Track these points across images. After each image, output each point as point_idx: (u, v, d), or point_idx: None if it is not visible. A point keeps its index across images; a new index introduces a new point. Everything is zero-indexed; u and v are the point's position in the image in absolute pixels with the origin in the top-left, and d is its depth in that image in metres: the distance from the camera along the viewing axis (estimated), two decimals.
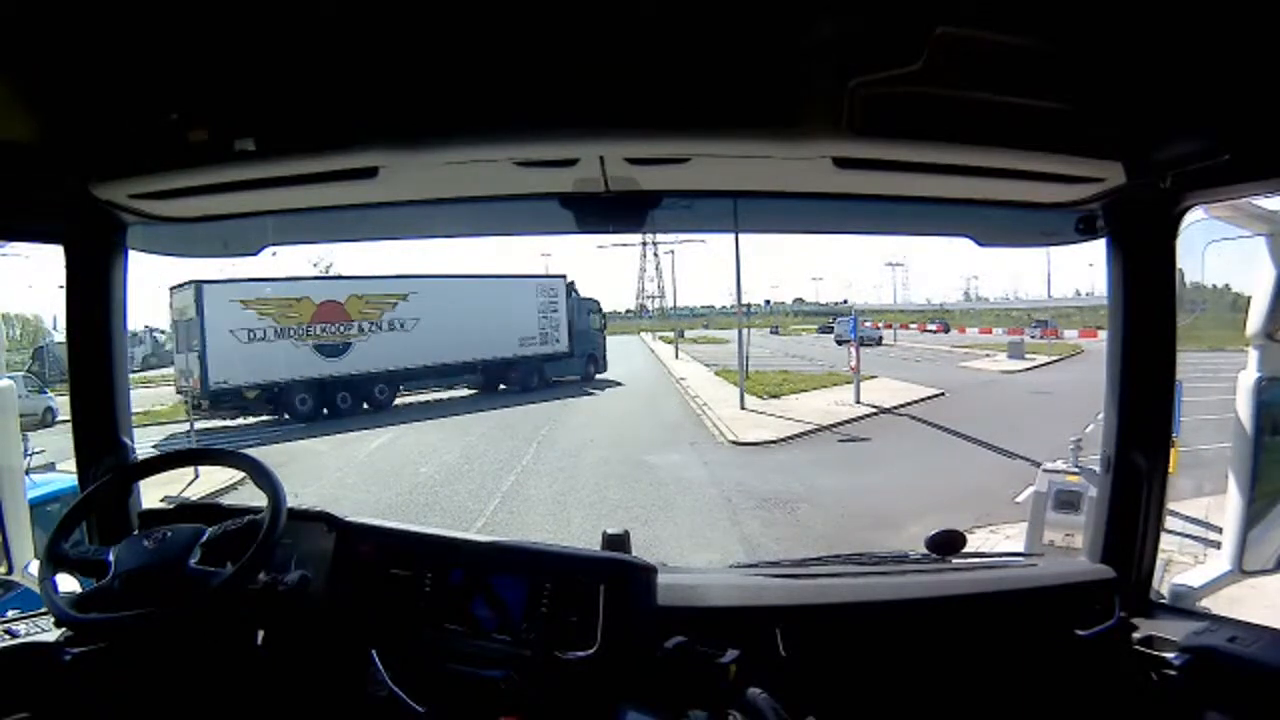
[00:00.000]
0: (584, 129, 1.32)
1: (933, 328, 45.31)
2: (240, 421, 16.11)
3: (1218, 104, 1.28)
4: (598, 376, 21.48)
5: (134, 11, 1.13)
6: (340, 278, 18.11)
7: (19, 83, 1.27)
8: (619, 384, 21.26)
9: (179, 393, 16.29)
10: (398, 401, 17.83)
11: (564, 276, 21.79)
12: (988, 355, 28.57)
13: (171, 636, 1.52)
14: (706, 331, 48.27)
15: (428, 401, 18.41)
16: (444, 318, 17.79)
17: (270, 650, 1.61)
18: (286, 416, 16.11)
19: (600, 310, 23.09)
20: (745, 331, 20.38)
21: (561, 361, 20.59)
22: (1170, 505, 2.03)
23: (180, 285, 16.01)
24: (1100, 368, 1.83)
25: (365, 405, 16.96)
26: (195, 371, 15.21)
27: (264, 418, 16.26)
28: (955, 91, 1.23)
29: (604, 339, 22.70)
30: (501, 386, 19.47)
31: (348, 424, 15.17)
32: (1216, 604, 2.02)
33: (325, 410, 16.38)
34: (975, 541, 7.00)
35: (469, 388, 19.43)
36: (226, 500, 4.96)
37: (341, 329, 16.98)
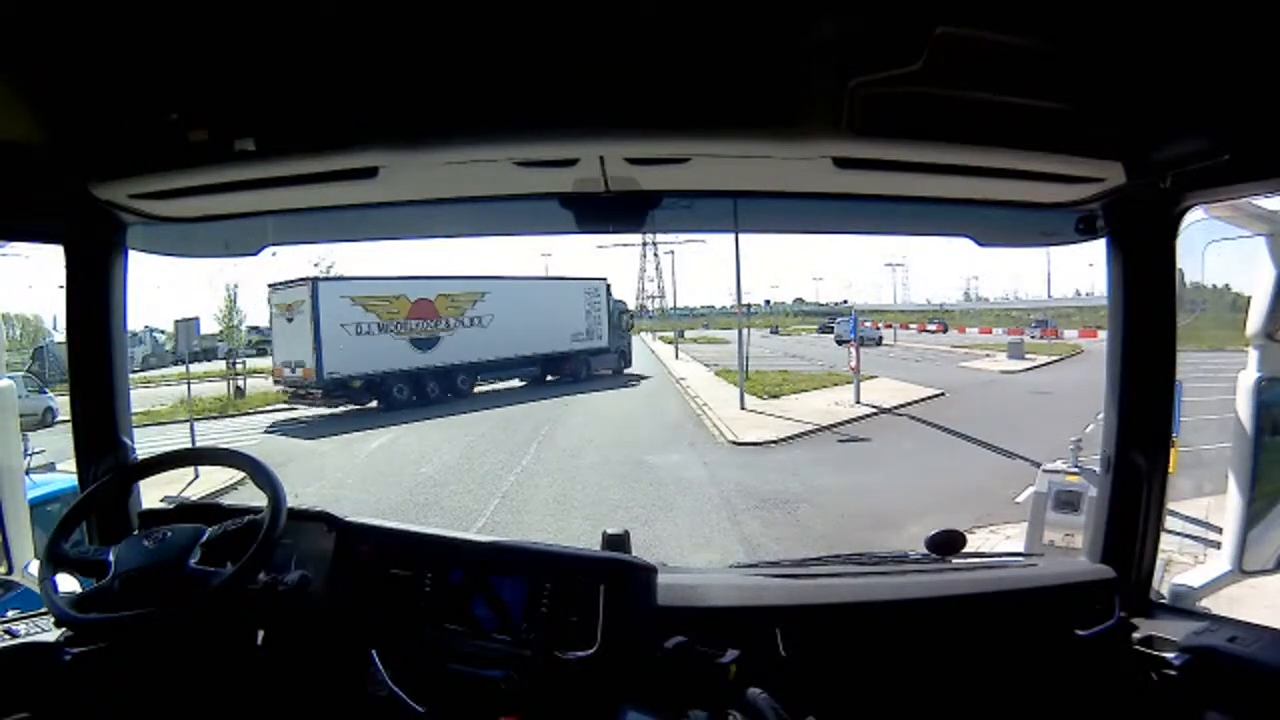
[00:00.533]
0: (584, 129, 1.32)
1: (932, 328, 45.31)
2: (327, 411, 17.12)
3: (1218, 104, 1.28)
4: (625, 371, 23.26)
5: (134, 11, 1.13)
6: (429, 277, 19.39)
7: (19, 83, 1.27)
8: (648, 376, 22.97)
9: (277, 384, 17.96)
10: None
11: (605, 279, 23.55)
12: (988, 355, 28.54)
13: (171, 636, 1.52)
14: (706, 331, 48.20)
15: (488, 391, 19.69)
16: (512, 315, 19.71)
17: (270, 650, 1.61)
18: (383, 405, 17.34)
19: (629, 310, 25.01)
20: (745, 331, 20.44)
21: (600, 356, 22.47)
22: (1170, 505, 2.02)
23: (284, 283, 17.62)
24: (1100, 368, 1.83)
25: (449, 394, 18.42)
26: (307, 362, 16.64)
27: (350, 407, 17.34)
28: (955, 91, 1.23)
29: (630, 337, 24.47)
30: (549, 378, 21.13)
31: (440, 410, 16.63)
32: (1216, 604, 2.02)
33: (415, 399, 17.80)
34: (975, 541, 6.99)
35: (520, 380, 20.85)
36: (226, 500, 4.96)
37: (432, 325, 18.67)
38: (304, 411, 17.15)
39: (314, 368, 16.57)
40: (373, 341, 17.56)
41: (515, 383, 20.42)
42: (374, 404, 17.39)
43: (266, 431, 15.42)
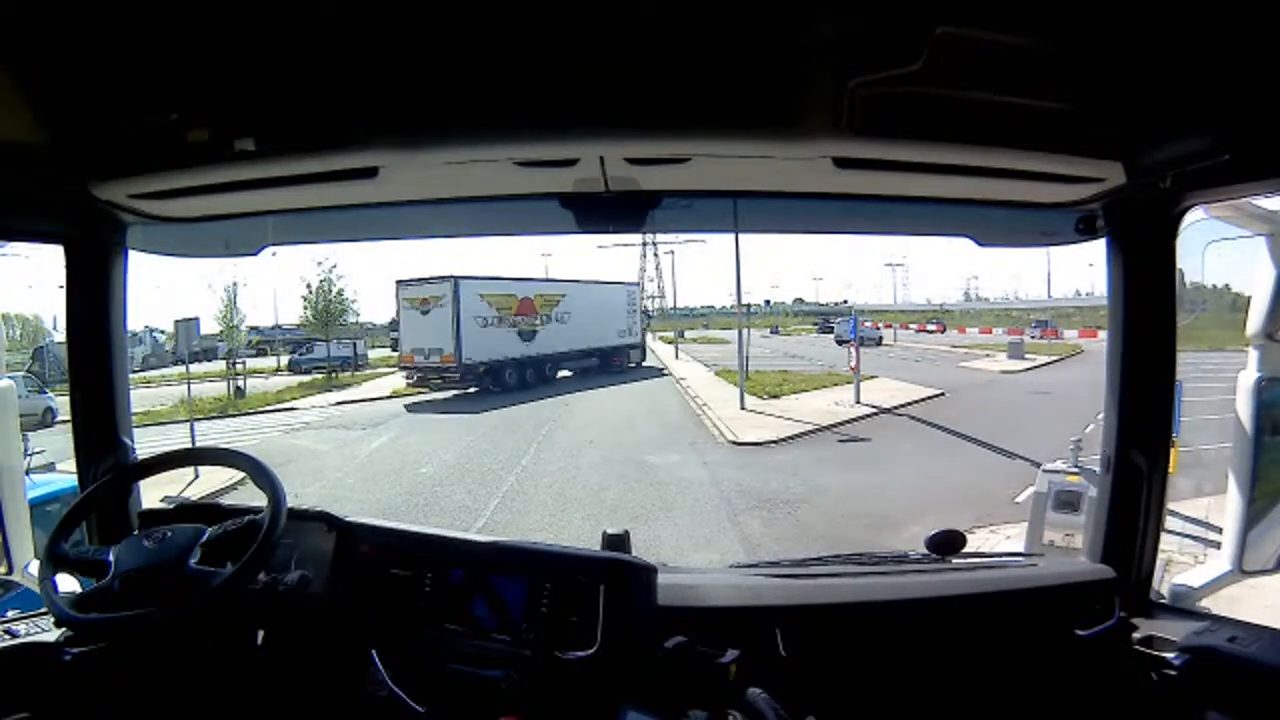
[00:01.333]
0: (584, 129, 1.32)
1: (932, 328, 45.50)
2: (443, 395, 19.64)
3: (1218, 104, 1.27)
4: (643, 364, 26.79)
5: (134, 12, 1.13)
6: (528, 279, 22.93)
7: (19, 83, 1.27)
8: (664, 368, 26.45)
9: (404, 369, 20.75)
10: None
11: (638, 283, 27.94)
12: (988, 355, 28.59)
13: (171, 636, 1.52)
14: (706, 332, 48.28)
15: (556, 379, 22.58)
16: (581, 313, 23.17)
17: (270, 650, 1.61)
18: (498, 388, 20.11)
19: (648, 311, 29.07)
20: (745, 331, 20.53)
21: (632, 350, 26.24)
22: (1170, 505, 2.02)
23: (416, 280, 20.38)
24: (1100, 367, 1.83)
25: (540, 381, 21.27)
26: (446, 349, 19.48)
27: (456, 391, 19.82)
28: (955, 91, 1.23)
29: (646, 334, 28.64)
30: (597, 366, 24.39)
31: (534, 394, 19.16)
32: (1216, 604, 2.02)
33: (519, 384, 20.63)
34: (975, 541, 6.99)
35: (568, 370, 23.70)
36: (226, 500, 4.96)
37: (531, 320, 21.92)
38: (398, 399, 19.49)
39: (454, 354, 19.40)
40: (494, 333, 20.57)
41: (566, 373, 23.36)
42: (473, 389, 19.82)
43: (408, 409, 17.96)
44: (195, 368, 17.33)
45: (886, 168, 1.43)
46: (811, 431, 13.61)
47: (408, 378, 20.41)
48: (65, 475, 4.56)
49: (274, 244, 2.01)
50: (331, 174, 1.44)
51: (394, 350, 23.41)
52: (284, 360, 29.09)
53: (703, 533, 8.08)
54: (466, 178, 1.55)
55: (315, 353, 26.76)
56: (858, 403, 16.22)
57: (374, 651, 1.53)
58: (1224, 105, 1.27)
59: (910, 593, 1.74)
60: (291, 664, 1.61)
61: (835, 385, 18.97)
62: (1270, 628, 1.53)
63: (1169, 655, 1.57)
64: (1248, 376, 2.25)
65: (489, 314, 20.65)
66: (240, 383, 21.42)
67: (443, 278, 19.97)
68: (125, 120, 1.37)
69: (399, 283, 20.65)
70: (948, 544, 1.84)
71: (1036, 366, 24.97)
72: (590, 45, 1.17)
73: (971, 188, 1.56)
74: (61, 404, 12.54)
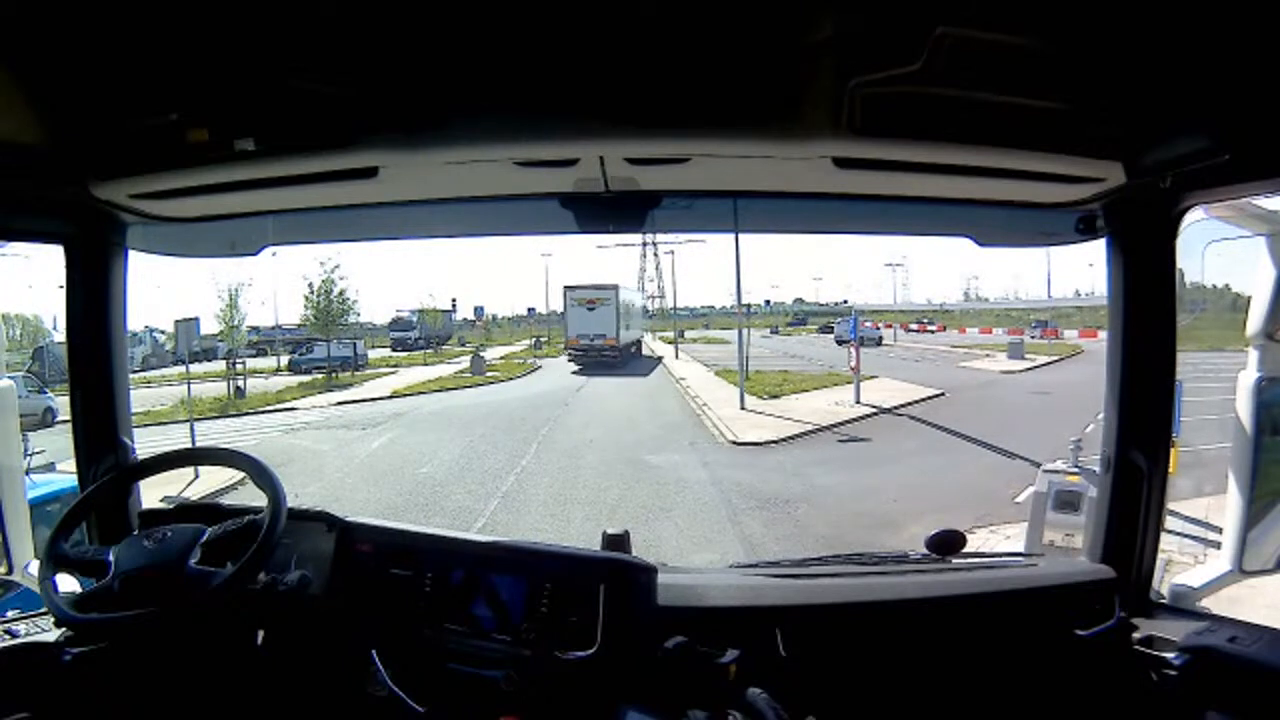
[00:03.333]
0: (584, 129, 1.32)
1: (933, 328, 45.58)
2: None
3: (1217, 103, 1.27)
4: (642, 355, 33.47)
5: (134, 12, 1.13)
6: (624, 287, 29.64)
7: (19, 83, 1.27)
8: (662, 356, 32.02)
9: (568, 349, 28.31)
10: None
11: (640, 289, 36.47)
12: (988, 355, 28.59)
13: (171, 636, 1.52)
14: (707, 332, 48.37)
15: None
16: (630, 312, 29.56)
17: (270, 650, 1.61)
18: (620, 362, 26.96)
19: (648, 310, 37.78)
20: (745, 331, 20.57)
21: (641, 342, 33.33)
22: (1170, 505, 2.02)
23: (583, 285, 27.67)
24: (1100, 367, 1.83)
25: (630, 361, 28.35)
26: (609, 335, 26.82)
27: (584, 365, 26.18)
28: (955, 91, 1.23)
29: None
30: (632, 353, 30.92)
31: (622, 372, 25.33)
32: (1216, 604, 2.01)
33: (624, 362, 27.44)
34: (975, 541, 7.00)
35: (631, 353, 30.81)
36: (226, 500, 4.95)
37: (627, 318, 28.50)
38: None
39: (615, 338, 26.85)
40: (628, 322, 28.07)
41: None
42: (584, 363, 26.38)
43: (573, 374, 24.47)
44: (195, 368, 17.37)
45: (886, 168, 1.43)
46: (812, 431, 13.60)
47: (570, 354, 28.02)
48: (65, 475, 4.56)
49: (274, 244, 2.01)
50: (331, 174, 1.44)
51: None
52: (284, 360, 29.15)
53: (703, 533, 8.08)
54: (466, 178, 1.55)
55: (315, 353, 26.89)
56: (858, 403, 16.22)
57: (374, 651, 1.53)
58: (1223, 105, 1.27)
59: (910, 593, 1.74)
60: (291, 664, 1.61)
61: (835, 385, 18.96)
62: (1270, 628, 1.53)
63: (1169, 655, 1.57)
64: (1248, 376, 2.25)
65: (625, 309, 27.83)
66: (240, 383, 21.42)
67: (608, 285, 27.50)
68: (125, 120, 1.37)
69: (568, 287, 28.30)
70: (948, 544, 1.84)
71: (1036, 366, 24.97)
72: (590, 45, 1.17)
73: (971, 188, 1.56)
74: (61, 404, 12.54)
